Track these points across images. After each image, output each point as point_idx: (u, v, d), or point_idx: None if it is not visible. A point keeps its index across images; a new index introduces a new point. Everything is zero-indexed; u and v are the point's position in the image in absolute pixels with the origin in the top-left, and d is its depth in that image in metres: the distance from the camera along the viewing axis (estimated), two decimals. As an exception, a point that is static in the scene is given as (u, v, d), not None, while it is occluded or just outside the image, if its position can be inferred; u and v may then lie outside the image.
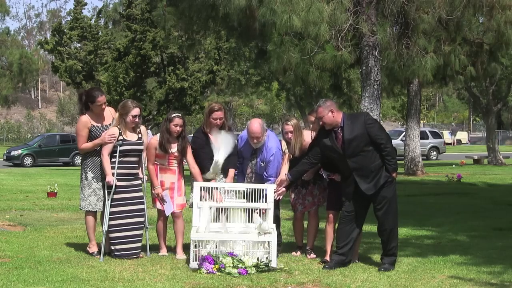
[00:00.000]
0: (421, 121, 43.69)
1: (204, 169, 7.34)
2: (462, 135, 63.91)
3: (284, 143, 7.48)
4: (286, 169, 7.34)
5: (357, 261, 7.12)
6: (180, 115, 7.39)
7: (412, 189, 16.98)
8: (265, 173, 7.38)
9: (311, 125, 7.43)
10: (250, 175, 7.53)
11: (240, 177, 7.53)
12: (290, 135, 7.37)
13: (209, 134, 7.40)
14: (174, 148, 7.30)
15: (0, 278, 6.10)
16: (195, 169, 7.34)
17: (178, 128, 7.27)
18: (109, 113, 7.48)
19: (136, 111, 7.22)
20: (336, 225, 7.20)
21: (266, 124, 7.74)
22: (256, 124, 7.34)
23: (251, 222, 7.16)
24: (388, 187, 6.75)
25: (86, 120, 7.31)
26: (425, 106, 67.97)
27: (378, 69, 13.65)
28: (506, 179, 20.63)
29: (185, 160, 7.49)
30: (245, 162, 7.53)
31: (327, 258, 7.14)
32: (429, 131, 37.94)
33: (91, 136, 7.28)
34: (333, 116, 6.72)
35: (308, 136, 7.42)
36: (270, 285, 6.07)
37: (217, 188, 7.23)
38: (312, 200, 7.54)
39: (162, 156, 7.31)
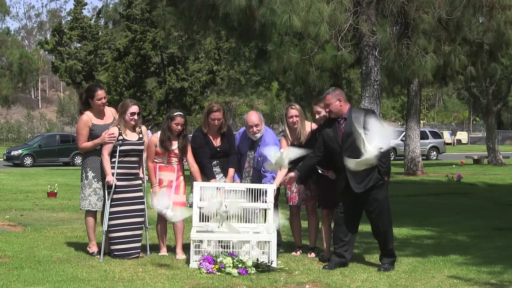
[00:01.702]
0: (421, 121, 43.67)
1: (204, 168, 7.35)
2: (462, 135, 63.91)
3: (286, 130, 7.46)
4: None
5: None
6: (182, 113, 7.40)
7: (412, 189, 16.98)
8: (262, 168, 7.39)
9: (316, 116, 7.28)
10: (247, 169, 7.55)
11: (238, 175, 7.53)
12: (295, 119, 7.35)
13: (208, 134, 7.42)
14: (174, 145, 7.31)
15: (0, 278, 6.10)
16: (195, 168, 7.35)
17: (179, 127, 7.28)
18: (110, 113, 7.47)
19: (134, 108, 7.22)
20: (332, 224, 7.22)
21: (266, 124, 7.76)
22: (253, 114, 7.45)
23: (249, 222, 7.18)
24: (379, 189, 6.67)
25: (87, 119, 7.31)
26: (425, 106, 67.96)
27: (378, 69, 13.66)
28: (506, 179, 20.62)
29: (185, 160, 7.49)
30: (243, 158, 7.55)
31: (325, 254, 7.22)
32: (429, 131, 37.93)
33: (91, 135, 7.28)
34: (340, 106, 6.70)
35: (308, 126, 7.44)
36: (270, 285, 6.07)
37: (217, 188, 7.23)
38: (310, 194, 7.52)
39: (162, 153, 7.32)
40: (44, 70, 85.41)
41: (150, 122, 32.42)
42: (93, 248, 7.37)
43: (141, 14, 31.82)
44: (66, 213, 11.47)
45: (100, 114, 7.38)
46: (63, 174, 23.38)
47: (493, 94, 30.99)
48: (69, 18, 51.47)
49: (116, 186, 7.13)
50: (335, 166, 6.89)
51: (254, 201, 7.16)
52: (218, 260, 6.54)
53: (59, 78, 42.07)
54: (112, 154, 7.16)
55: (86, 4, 38.77)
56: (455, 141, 59.14)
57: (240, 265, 6.49)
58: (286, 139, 7.46)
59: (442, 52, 14.60)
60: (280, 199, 7.69)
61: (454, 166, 28.06)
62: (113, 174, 7.11)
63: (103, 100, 7.33)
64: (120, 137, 7.17)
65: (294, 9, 12.12)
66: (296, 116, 7.36)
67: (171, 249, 7.49)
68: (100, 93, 7.30)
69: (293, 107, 7.44)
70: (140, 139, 7.31)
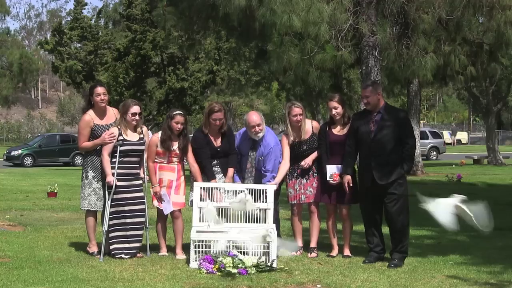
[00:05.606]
0: (421, 121, 43.67)
1: (204, 168, 7.35)
2: (462, 135, 63.90)
3: (289, 128, 7.48)
4: (287, 152, 7.41)
5: (341, 254, 7.34)
6: (181, 112, 7.41)
7: (412, 189, 16.94)
8: (263, 167, 7.40)
9: (331, 111, 7.32)
10: (250, 169, 7.56)
11: (238, 175, 7.53)
12: (299, 117, 7.40)
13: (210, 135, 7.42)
14: (175, 145, 7.31)
15: (0, 278, 6.10)
16: (195, 168, 7.35)
17: (179, 126, 7.28)
18: (113, 113, 7.47)
19: (135, 108, 7.22)
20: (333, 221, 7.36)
21: (266, 124, 7.76)
22: (254, 114, 7.50)
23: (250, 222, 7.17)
24: (399, 185, 6.95)
25: (89, 119, 7.30)
26: (425, 106, 67.95)
27: (378, 69, 13.65)
28: (506, 179, 20.62)
29: (185, 159, 7.49)
30: (243, 159, 7.55)
31: (342, 253, 7.41)
32: (429, 131, 37.96)
33: (93, 135, 7.28)
34: (378, 99, 7.02)
35: (309, 124, 7.47)
36: (270, 285, 6.07)
37: (217, 188, 7.23)
38: (314, 192, 7.53)
39: (163, 153, 7.32)
40: (44, 70, 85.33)
41: (150, 122, 32.40)
42: (93, 248, 7.36)
43: (141, 14, 31.81)
44: (66, 213, 11.47)
45: (102, 115, 7.38)
46: (63, 174, 23.38)
47: (493, 94, 30.98)
48: (69, 18, 51.43)
49: (116, 186, 7.13)
50: (361, 155, 7.11)
51: (255, 201, 7.16)
52: (218, 260, 6.54)
53: (59, 78, 42.10)
54: (112, 154, 7.16)
55: (86, 4, 38.80)
56: (455, 141, 59.12)
57: (240, 265, 6.48)
58: (288, 138, 7.49)
59: (442, 52, 14.60)
60: (281, 199, 7.69)
61: (454, 166, 28.05)
62: (113, 174, 7.11)
63: (102, 97, 7.30)
64: (121, 137, 7.17)
65: (294, 9, 12.13)
66: (300, 114, 7.42)
67: (171, 249, 7.49)
68: (99, 89, 7.30)
69: (296, 105, 7.49)
70: (141, 139, 7.30)
